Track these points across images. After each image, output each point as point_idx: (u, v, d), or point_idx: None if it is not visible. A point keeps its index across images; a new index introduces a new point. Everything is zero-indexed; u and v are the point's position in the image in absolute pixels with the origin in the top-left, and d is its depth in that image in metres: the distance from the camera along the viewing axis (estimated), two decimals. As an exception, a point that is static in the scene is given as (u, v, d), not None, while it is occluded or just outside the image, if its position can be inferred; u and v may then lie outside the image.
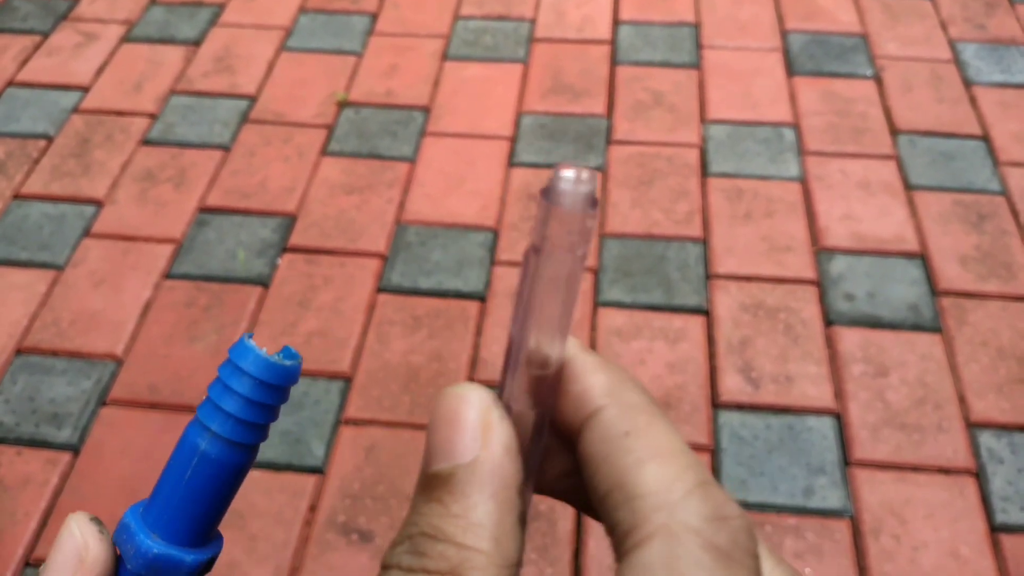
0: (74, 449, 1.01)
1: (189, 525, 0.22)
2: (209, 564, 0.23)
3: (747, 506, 0.95)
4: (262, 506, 0.95)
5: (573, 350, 0.20)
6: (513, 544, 0.18)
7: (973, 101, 1.42)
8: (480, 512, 0.17)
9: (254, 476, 0.98)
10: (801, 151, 1.34)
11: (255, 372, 0.21)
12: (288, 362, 0.22)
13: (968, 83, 1.45)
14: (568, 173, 0.19)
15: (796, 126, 1.38)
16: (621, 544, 0.18)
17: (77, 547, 0.21)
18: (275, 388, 0.22)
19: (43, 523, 0.95)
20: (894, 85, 1.45)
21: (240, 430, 0.22)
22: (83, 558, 0.21)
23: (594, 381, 0.20)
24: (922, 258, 1.19)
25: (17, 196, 1.29)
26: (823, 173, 1.30)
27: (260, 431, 0.22)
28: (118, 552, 0.22)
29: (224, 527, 0.93)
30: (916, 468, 0.98)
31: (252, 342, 0.22)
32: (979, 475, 0.98)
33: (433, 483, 0.18)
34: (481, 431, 0.18)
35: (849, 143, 1.35)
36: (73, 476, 0.98)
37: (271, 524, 0.94)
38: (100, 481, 0.98)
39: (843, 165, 1.32)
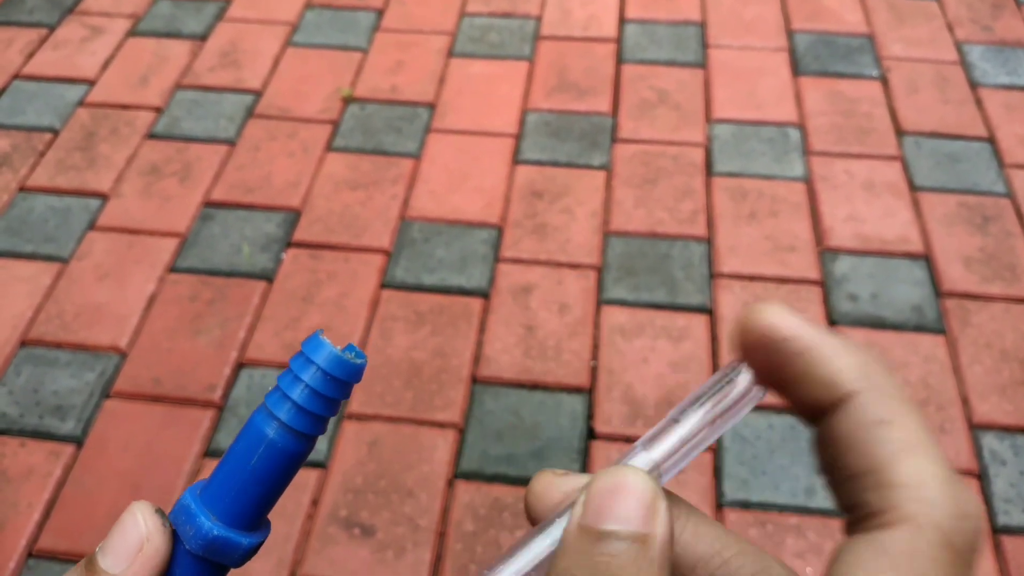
0: (77, 441, 1.01)
1: (247, 509, 0.23)
2: (259, 548, 0.24)
3: (748, 505, 0.95)
4: (264, 500, 0.95)
5: (817, 333, 0.21)
6: None
7: (979, 103, 1.41)
8: (661, 571, 0.19)
9: (256, 470, 0.98)
10: (806, 151, 1.34)
11: (326, 366, 0.23)
12: (358, 360, 0.23)
13: (974, 85, 1.45)
14: None
15: (801, 126, 1.38)
16: (863, 521, 0.20)
17: (140, 536, 0.22)
18: (342, 383, 0.23)
19: (46, 514, 0.95)
20: (900, 86, 1.44)
21: (307, 421, 0.23)
22: (143, 548, 0.22)
23: (845, 364, 0.21)
24: (926, 259, 1.19)
25: (23, 189, 1.30)
26: (828, 173, 1.30)
27: (324, 423, 0.23)
28: (174, 533, 0.23)
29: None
30: (918, 469, 0.98)
31: (325, 338, 0.23)
32: (981, 477, 0.98)
33: (612, 538, 0.19)
34: (655, 510, 0.20)
35: (854, 144, 1.35)
36: (76, 468, 0.98)
37: (273, 518, 0.94)
38: (103, 473, 0.98)
39: (848, 165, 1.31)
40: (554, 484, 0.23)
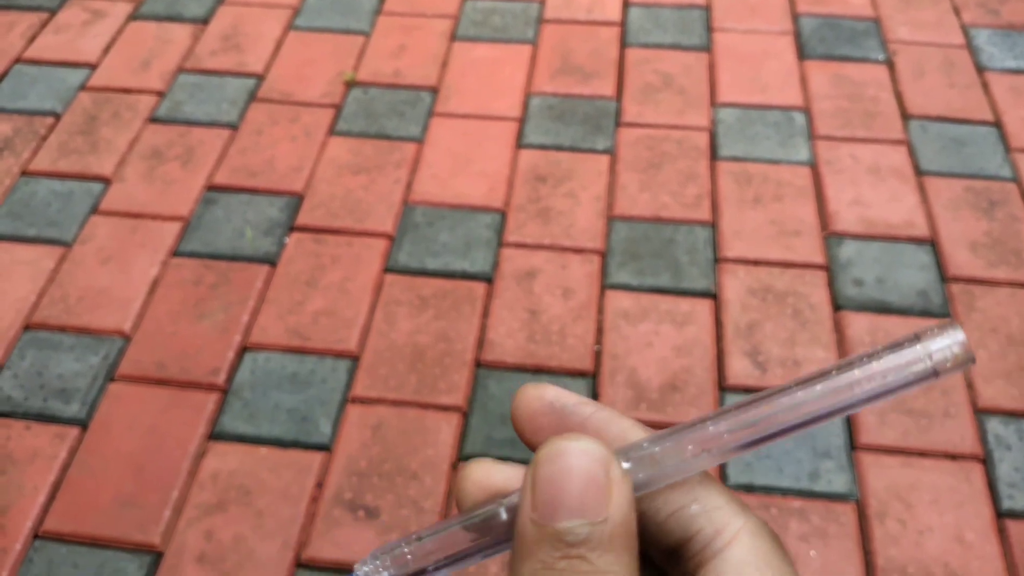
0: (82, 424, 1.01)
1: None
2: None
3: (752, 488, 0.95)
4: (269, 483, 0.96)
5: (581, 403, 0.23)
6: None
7: (985, 87, 1.41)
8: (623, 566, 0.18)
9: (262, 453, 0.98)
10: (811, 135, 1.33)
11: None
12: None
13: (981, 69, 1.44)
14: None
15: (807, 110, 1.37)
16: (702, 554, 0.20)
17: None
18: None
19: (51, 497, 0.95)
20: (906, 70, 1.44)
21: None
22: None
23: (626, 422, 0.23)
24: (932, 244, 1.19)
25: (25, 173, 1.29)
26: (833, 157, 1.30)
27: None
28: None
29: (230, 502, 0.94)
30: (923, 453, 0.98)
31: None
32: (986, 461, 0.98)
33: (566, 539, 0.18)
34: (608, 488, 0.19)
35: (860, 128, 1.34)
36: (81, 450, 0.99)
37: (278, 500, 0.94)
38: (108, 456, 0.98)
39: (853, 150, 1.31)
40: (493, 472, 0.23)
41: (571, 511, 0.18)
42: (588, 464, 0.19)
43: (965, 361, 0.21)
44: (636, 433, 0.23)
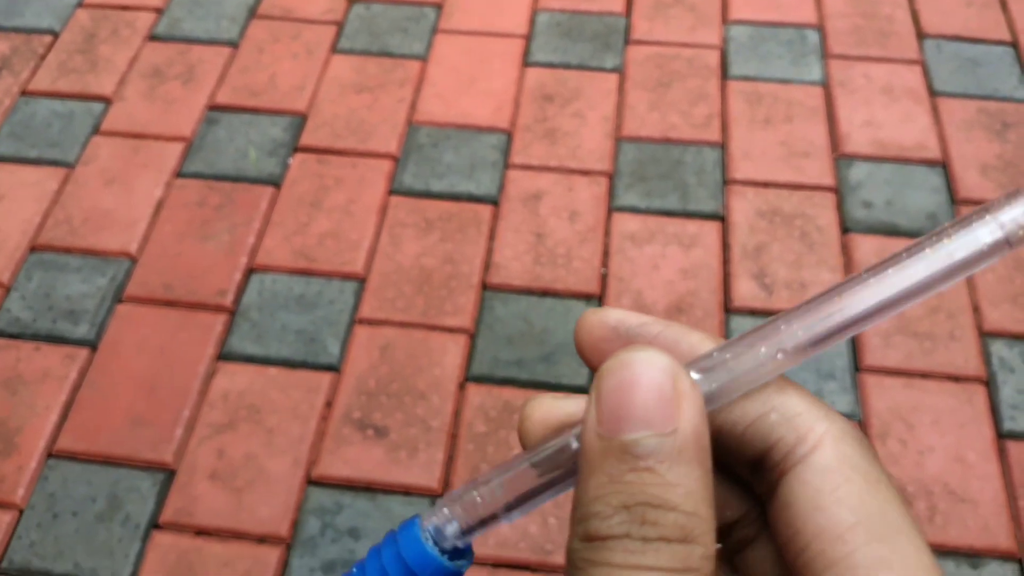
0: (91, 345, 1.02)
1: None
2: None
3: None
4: (279, 401, 0.97)
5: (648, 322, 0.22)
6: (717, 506, 0.19)
7: (1003, 5, 1.37)
8: (694, 479, 0.18)
9: (271, 373, 0.99)
10: (824, 54, 1.30)
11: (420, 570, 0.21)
12: (457, 564, 0.21)
13: (1000, -15, 1.40)
14: None
15: (820, 28, 1.34)
16: (786, 461, 0.19)
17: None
18: None
19: (63, 416, 0.96)
20: (923, -14, 1.40)
21: None
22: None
23: (698, 335, 0.22)
24: (943, 166, 1.17)
25: (24, 93, 1.27)
26: (846, 77, 1.27)
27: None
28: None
29: (241, 421, 0.94)
30: (926, 375, 0.99)
31: (422, 531, 0.21)
32: (989, 383, 0.98)
33: (634, 451, 0.18)
34: (677, 399, 0.18)
35: (874, 47, 1.31)
36: (91, 371, 1.00)
37: (288, 419, 0.96)
38: (118, 376, 0.99)
39: (867, 69, 1.28)
40: (555, 408, 0.22)
41: (638, 422, 0.18)
42: (655, 374, 0.18)
43: None
44: (707, 345, 0.21)
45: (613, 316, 0.22)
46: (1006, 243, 0.20)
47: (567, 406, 0.22)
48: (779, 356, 0.20)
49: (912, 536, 0.18)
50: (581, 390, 0.97)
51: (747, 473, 0.21)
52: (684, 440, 0.18)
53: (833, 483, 0.19)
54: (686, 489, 0.17)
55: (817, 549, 0.18)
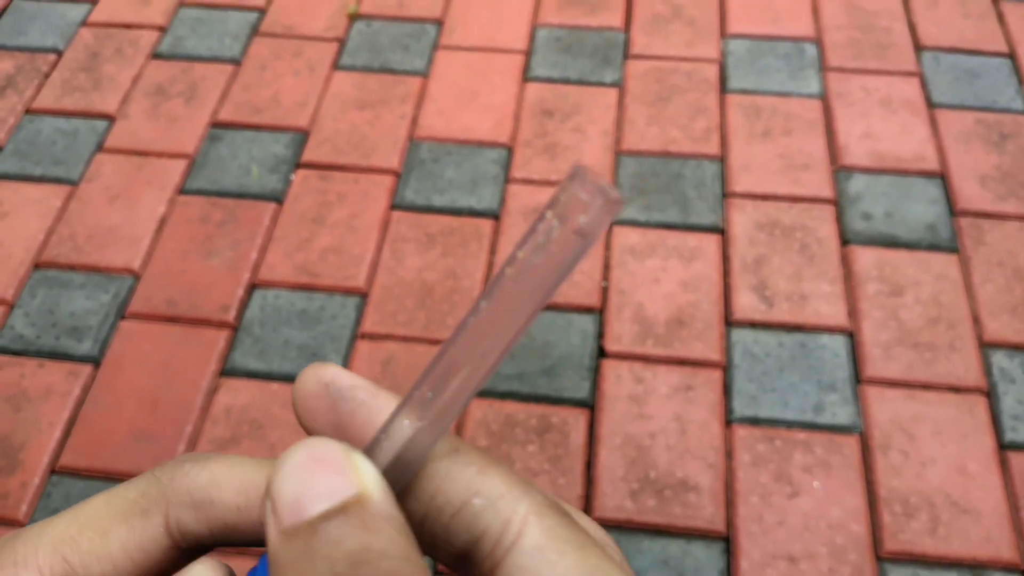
0: (95, 361, 1.02)
1: None
2: None
3: (757, 421, 0.97)
4: (281, 417, 0.97)
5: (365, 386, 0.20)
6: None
7: (1000, 17, 1.38)
8: (395, 528, 0.17)
9: (273, 388, 0.99)
10: (822, 67, 1.31)
11: None
12: None
13: (997, -3, 1.41)
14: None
15: (818, 41, 1.35)
16: (495, 551, 0.18)
17: None
18: None
19: (67, 432, 0.97)
20: (920, 0, 1.41)
21: None
22: None
23: (387, 406, 0.20)
24: (942, 177, 1.18)
25: (29, 111, 1.29)
26: (844, 90, 1.28)
27: None
28: None
29: (244, 437, 0.95)
30: (927, 386, 0.99)
31: None
32: (990, 394, 0.98)
33: (325, 524, 0.16)
34: (353, 466, 0.17)
35: (872, 59, 1.32)
36: (95, 387, 1.00)
37: (290, 434, 0.96)
38: (121, 392, 1.00)
39: (865, 82, 1.29)
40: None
41: (321, 495, 0.16)
42: (325, 451, 0.17)
43: (600, 204, 0.17)
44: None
45: (328, 373, 0.21)
46: (579, 234, 0.17)
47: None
48: (423, 425, 0.19)
49: None
50: (583, 404, 0.98)
51: (458, 568, 0.20)
52: (371, 495, 0.17)
53: (550, 562, 0.18)
54: (389, 536, 0.16)
55: None
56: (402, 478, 0.19)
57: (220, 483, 0.21)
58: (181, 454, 0.94)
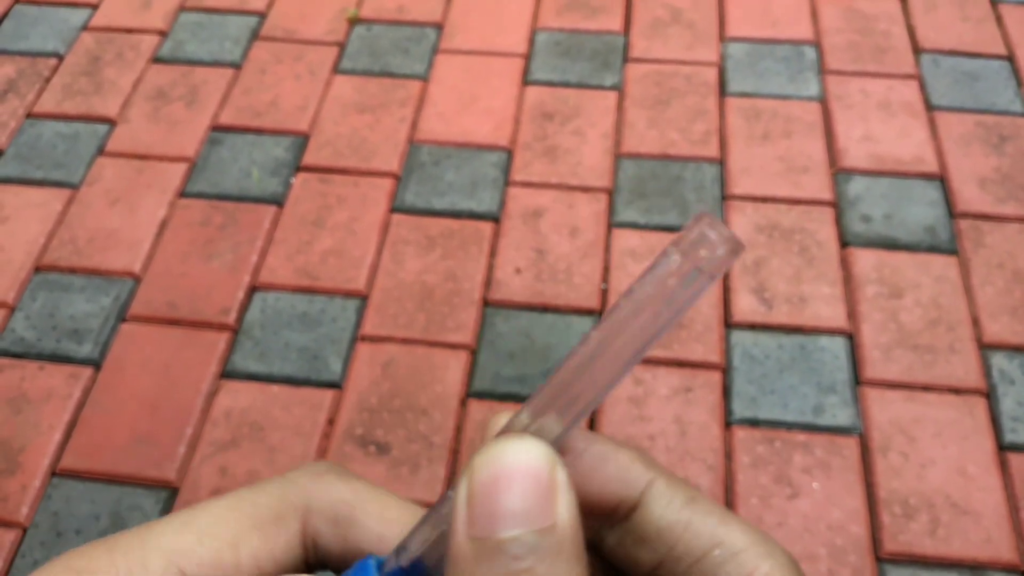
0: (95, 364, 1.02)
1: None
2: None
3: (757, 423, 0.97)
4: (281, 419, 0.97)
5: (587, 435, 0.20)
6: None
7: (999, 20, 1.38)
8: (580, 562, 0.17)
9: (273, 390, 1.00)
10: (821, 70, 1.31)
11: None
12: None
13: (995, 1, 1.41)
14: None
15: (817, 44, 1.35)
16: None
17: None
18: None
19: (67, 435, 0.97)
20: (918, 3, 1.41)
21: None
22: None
23: (626, 456, 0.20)
24: (941, 180, 1.18)
25: (30, 115, 1.29)
26: (843, 93, 1.28)
27: None
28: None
29: (243, 439, 0.95)
30: (927, 388, 0.99)
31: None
32: (989, 396, 0.98)
33: (511, 551, 0.16)
34: (553, 491, 0.17)
35: (871, 62, 1.32)
36: (95, 390, 1.00)
37: (290, 436, 0.96)
38: (121, 395, 1.00)
39: (864, 85, 1.29)
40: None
41: (515, 519, 0.16)
42: (531, 465, 0.17)
43: (726, 248, 0.18)
44: (636, 468, 0.21)
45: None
46: (699, 271, 0.18)
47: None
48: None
49: None
50: (582, 405, 0.98)
51: None
52: (563, 534, 0.16)
53: None
54: (571, 571, 0.16)
55: None
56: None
57: (366, 505, 0.20)
58: (181, 456, 0.94)
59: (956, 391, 0.99)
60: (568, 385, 0.19)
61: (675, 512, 0.19)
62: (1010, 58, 1.32)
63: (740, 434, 0.96)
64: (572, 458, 0.20)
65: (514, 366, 1.01)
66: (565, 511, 0.16)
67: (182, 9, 1.43)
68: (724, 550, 0.19)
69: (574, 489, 0.17)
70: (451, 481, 0.93)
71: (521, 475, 0.16)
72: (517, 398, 0.99)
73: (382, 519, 0.20)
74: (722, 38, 1.37)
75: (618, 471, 0.20)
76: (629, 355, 0.19)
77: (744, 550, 0.19)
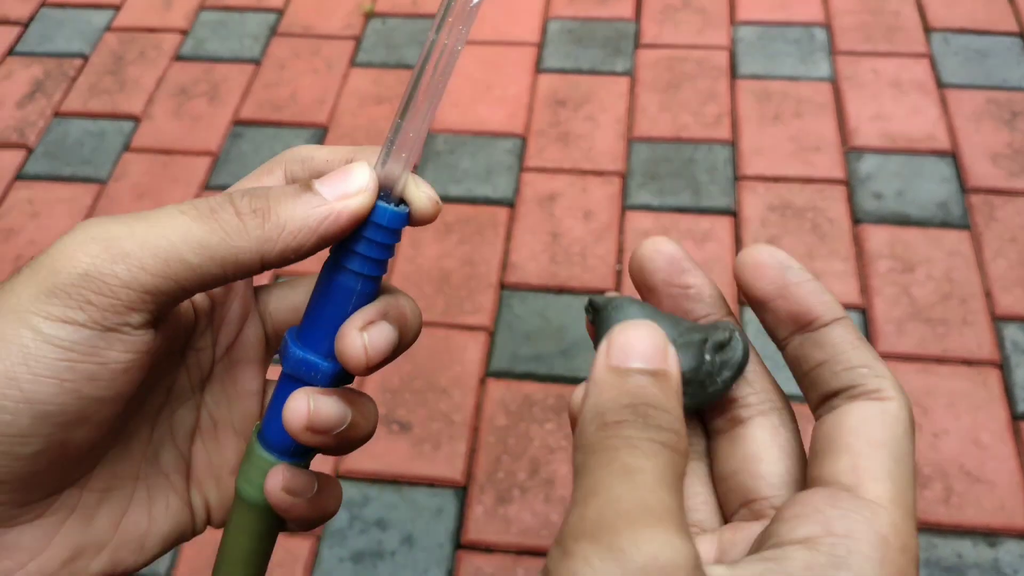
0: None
1: (330, 343, 0.29)
2: (339, 377, 0.29)
3: (772, 397, 0.98)
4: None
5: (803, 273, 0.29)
6: None
7: (1011, -4, 1.38)
8: (678, 407, 0.23)
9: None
10: (832, 51, 1.32)
11: (388, 224, 0.28)
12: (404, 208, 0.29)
13: (1007, -23, 1.41)
14: None
15: (828, 25, 1.36)
16: (857, 396, 0.26)
17: (361, 184, 0.28)
18: (391, 231, 0.29)
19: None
20: (929, -19, 1.41)
21: (380, 268, 0.29)
22: (358, 194, 0.28)
23: (830, 297, 0.28)
24: (953, 156, 1.19)
25: (57, 114, 1.33)
26: (854, 73, 1.29)
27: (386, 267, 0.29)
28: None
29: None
30: (940, 360, 1.00)
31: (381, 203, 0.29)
32: (1003, 367, 1.00)
33: (636, 375, 0.23)
34: (667, 354, 0.24)
35: (881, 42, 1.33)
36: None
37: (315, 418, 0.99)
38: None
39: (875, 64, 1.30)
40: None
41: (641, 357, 0.23)
42: (654, 333, 0.24)
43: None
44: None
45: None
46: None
47: None
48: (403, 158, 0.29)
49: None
50: (599, 383, 1.00)
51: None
52: (673, 375, 0.23)
53: (873, 434, 0.25)
54: (672, 403, 0.23)
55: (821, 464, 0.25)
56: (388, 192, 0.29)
57: (316, 151, 0.31)
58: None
59: (969, 363, 1.00)
60: (406, 131, 0.28)
61: (847, 338, 0.26)
62: (1021, 34, 1.33)
63: (754, 408, 0.98)
64: (795, 287, 0.28)
65: (531, 346, 1.03)
66: (673, 367, 0.23)
67: (202, 8, 1.47)
68: (870, 370, 0.26)
69: (678, 361, 0.24)
70: (472, 457, 0.96)
71: (647, 335, 0.24)
72: (535, 377, 1.01)
73: (329, 155, 0.30)
74: (732, 22, 1.38)
75: (823, 303, 0.27)
76: (435, 97, 0.29)
77: (884, 376, 0.25)
